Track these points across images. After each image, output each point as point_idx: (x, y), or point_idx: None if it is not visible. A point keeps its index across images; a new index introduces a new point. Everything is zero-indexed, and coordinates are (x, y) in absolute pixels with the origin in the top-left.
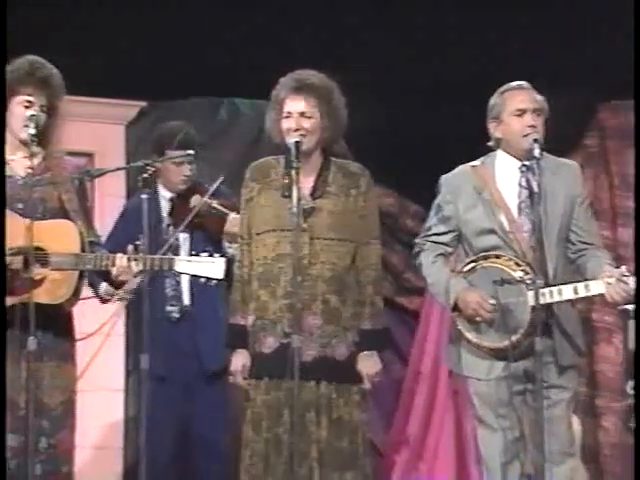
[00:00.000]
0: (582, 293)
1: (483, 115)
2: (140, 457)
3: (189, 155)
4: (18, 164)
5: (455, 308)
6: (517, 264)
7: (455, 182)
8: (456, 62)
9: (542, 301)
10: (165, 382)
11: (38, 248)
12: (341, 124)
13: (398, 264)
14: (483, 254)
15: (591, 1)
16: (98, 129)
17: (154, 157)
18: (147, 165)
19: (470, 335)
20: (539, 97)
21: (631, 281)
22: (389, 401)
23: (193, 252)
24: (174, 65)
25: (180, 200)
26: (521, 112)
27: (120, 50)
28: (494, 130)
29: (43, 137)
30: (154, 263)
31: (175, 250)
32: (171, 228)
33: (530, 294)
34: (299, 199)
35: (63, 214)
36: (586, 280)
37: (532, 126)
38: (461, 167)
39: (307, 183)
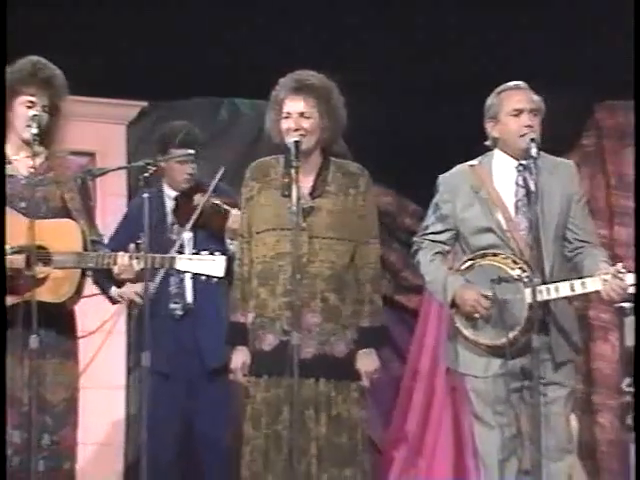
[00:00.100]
0: (579, 290)
1: (483, 115)
2: (141, 454)
3: (190, 154)
4: (21, 163)
5: (453, 305)
6: (514, 262)
7: (453, 181)
8: (456, 62)
9: (539, 298)
10: (169, 379)
11: (41, 247)
12: (340, 124)
13: (396, 263)
14: (480, 252)
15: (591, 1)
16: (100, 129)
17: (158, 156)
18: (148, 164)
19: (467, 332)
20: (536, 97)
21: (627, 278)
22: (388, 398)
23: (197, 250)
24: (174, 65)
25: (184, 199)
26: (518, 112)
27: (120, 50)
28: (491, 130)
29: (46, 137)
30: (155, 261)
31: (180, 248)
32: (176, 226)
33: (527, 291)
34: (299, 198)
35: (65, 213)
36: (582, 277)
37: (529, 126)
38: (459, 166)
39: (306, 182)
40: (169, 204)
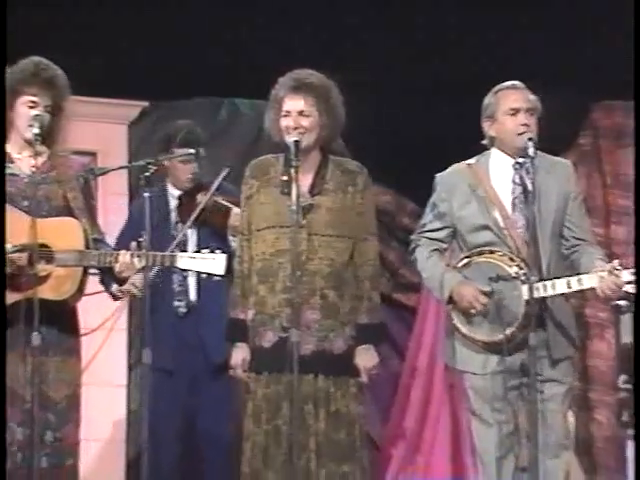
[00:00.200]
0: (575, 287)
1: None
2: (142, 450)
3: (190, 154)
4: (23, 162)
5: (450, 301)
6: (511, 259)
7: (450, 180)
8: (456, 62)
9: (536, 295)
10: (172, 376)
11: (43, 245)
12: (339, 122)
13: (395, 261)
14: (477, 250)
15: (591, 1)
16: (101, 129)
17: (160, 155)
18: (149, 164)
19: (465, 329)
20: (532, 97)
21: (623, 275)
22: (386, 395)
23: (199, 248)
24: (174, 65)
25: (187, 197)
26: (515, 111)
27: (121, 50)
28: (488, 129)
29: (48, 137)
30: (156, 259)
31: (183, 246)
32: (179, 225)
33: (524, 288)
34: (298, 196)
35: (68, 212)
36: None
37: (525, 125)
38: (456, 165)
39: (306, 180)
40: (173, 203)
